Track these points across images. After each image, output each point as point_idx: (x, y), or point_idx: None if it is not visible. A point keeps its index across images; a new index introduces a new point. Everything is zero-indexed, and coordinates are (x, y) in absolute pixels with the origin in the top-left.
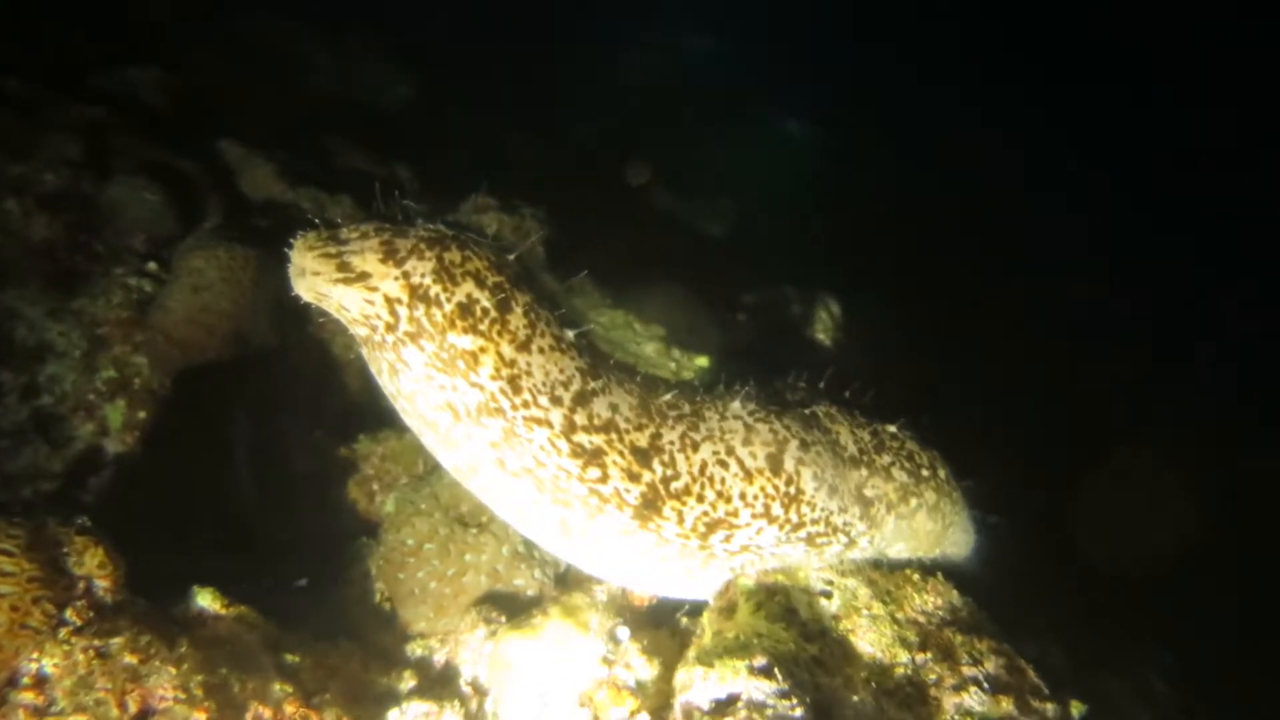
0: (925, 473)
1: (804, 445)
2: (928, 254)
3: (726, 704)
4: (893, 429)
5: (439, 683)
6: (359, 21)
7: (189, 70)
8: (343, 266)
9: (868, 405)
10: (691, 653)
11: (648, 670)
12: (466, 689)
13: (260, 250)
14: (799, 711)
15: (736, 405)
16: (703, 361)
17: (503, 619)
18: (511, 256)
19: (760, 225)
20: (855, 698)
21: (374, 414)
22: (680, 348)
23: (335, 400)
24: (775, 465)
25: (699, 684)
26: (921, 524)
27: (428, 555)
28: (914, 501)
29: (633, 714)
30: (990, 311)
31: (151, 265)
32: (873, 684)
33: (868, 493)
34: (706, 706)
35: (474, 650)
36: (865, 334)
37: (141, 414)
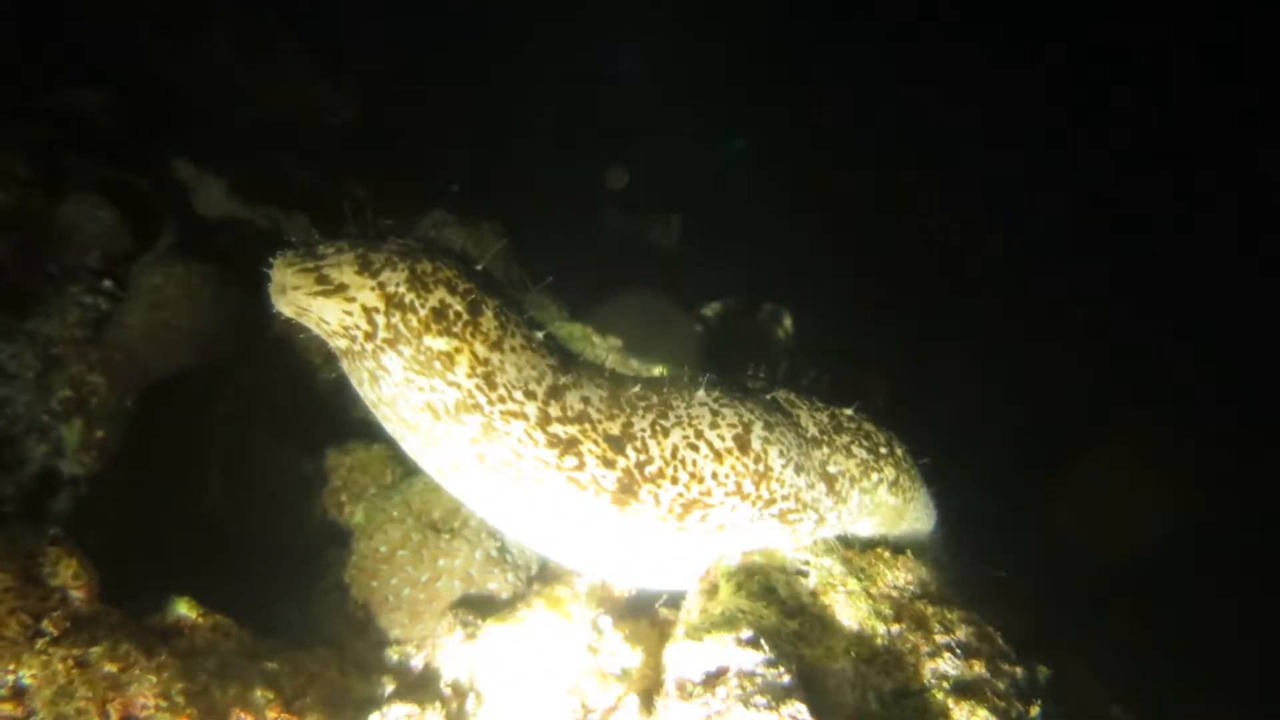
0: (883, 450)
1: (768, 426)
2: (885, 257)
3: (717, 675)
4: (849, 411)
5: (419, 686)
6: (307, 37)
7: (140, 89)
8: (321, 279)
9: (823, 391)
10: (680, 630)
11: (631, 657)
12: (447, 691)
13: (218, 267)
14: (786, 678)
15: (701, 393)
16: (660, 371)
17: (479, 622)
18: (479, 267)
19: (710, 238)
20: (837, 666)
21: (340, 426)
22: (638, 358)
23: (300, 414)
24: (743, 445)
25: (690, 658)
26: (884, 499)
27: (401, 562)
28: (875, 476)
29: (619, 699)
30: (952, 311)
31: (107, 283)
32: (852, 653)
33: (831, 469)
34: (699, 678)
35: (452, 653)
36: (821, 340)
37: (100, 433)
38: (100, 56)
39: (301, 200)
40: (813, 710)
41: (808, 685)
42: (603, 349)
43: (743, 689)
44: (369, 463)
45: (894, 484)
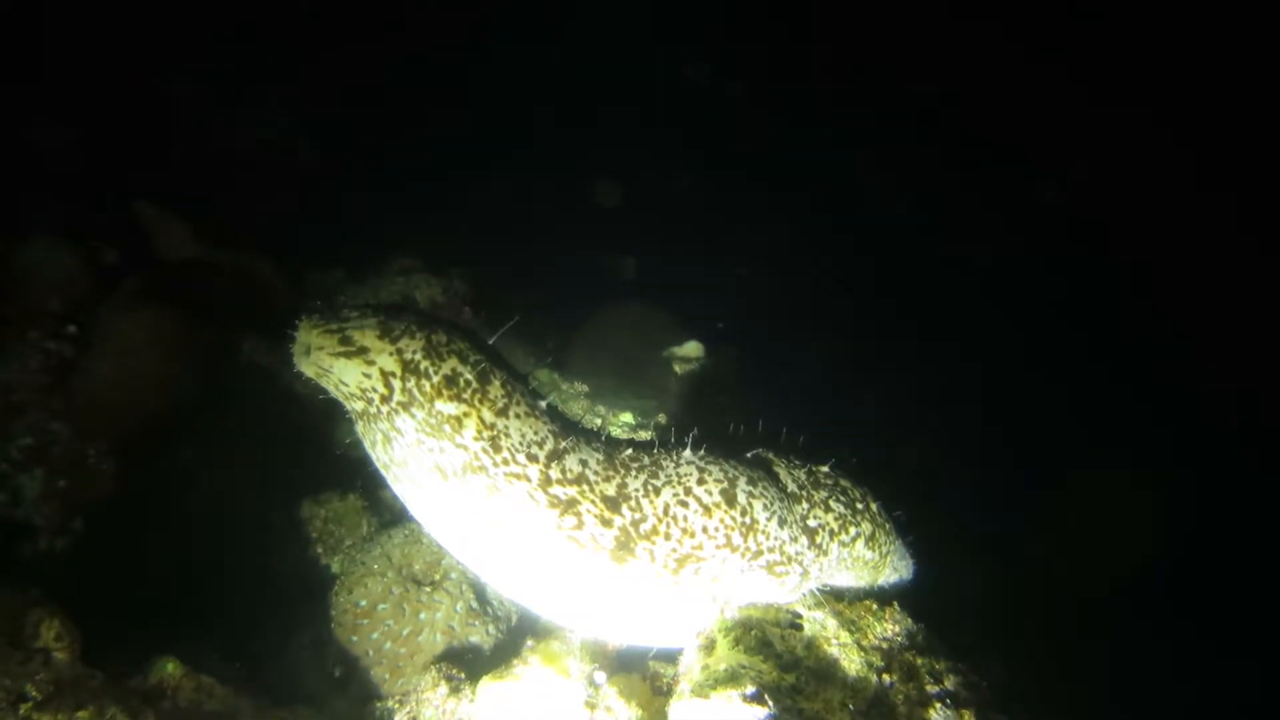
0: (859, 505)
1: (751, 481)
2: (855, 289)
3: None
4: (825, 469)
5: None
6: (266, 78)
7: (100, 130)
8: (344, 341)
9: (800, 449)
10: (684, 686)
11: (627, 712)
12: None
13: (184, 311)
14: None
15: (688, 453)
16: (627, 418)
17: (462, 675)
18: (490, 341)
19: (674, 280)
20: (836, 718)
21: (314, 473)
22: (605, 404)
23: (272, 464)
24: (730, 499)
25: (697, 716)
26: (861, 553)
27: (381, 616)
28: (852, 530)
29: None
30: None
31: (72, 329)
32: (850, 706)
33: (811, 523)
34: None
35: (436, 708)
36: (789, 383)
37: (62, 482)
38: (59, 93)
39: (266, 239)
40: None
41: None
42: (570, 395)
43: None
44: (345, 514)
45: (870, 539)
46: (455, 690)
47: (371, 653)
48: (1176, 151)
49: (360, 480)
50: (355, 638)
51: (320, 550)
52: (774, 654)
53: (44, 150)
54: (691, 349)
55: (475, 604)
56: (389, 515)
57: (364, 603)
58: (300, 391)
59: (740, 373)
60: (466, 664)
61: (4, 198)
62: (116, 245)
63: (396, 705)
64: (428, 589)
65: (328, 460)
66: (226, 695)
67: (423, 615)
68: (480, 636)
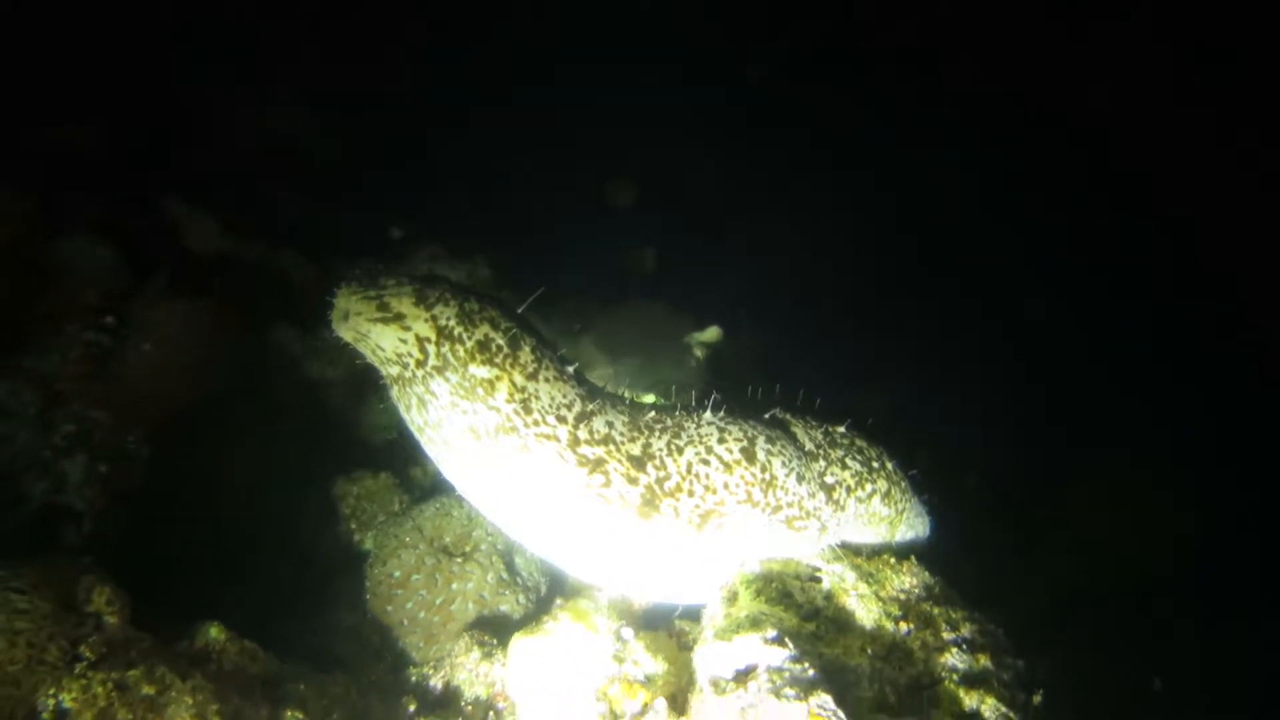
0: (875, 464)
1: (770, 439)
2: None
3: (747, 672)
4: (841, 429)
5: (439, 705)
6: (291, 70)
7: (129, 126)
8: (382, 307)
9: (816, 411)
10: (708, 632)
11: (654, 665)
12: (468, 708)
13: (216, 301)
14: (811, 672)
15: (708, 414)
16: (649, 399)
17: (495, 641)
18: (520, 309)
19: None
20: (854, 663)
21: (344, 456)
22: (627, 386)
23: (303, 445)
24: (750, 456)
25: (721, 657)
26: (877, 509)
27: (415, 586)
28: (869, 487)
29: (645, 705)
30: (948, 332)
31: (109, 319)
32: (868, 651)
33: (828, 480)
34: (730, 675)
35: (470, 671)
36: (811, 367)
37: (103, 468)
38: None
39: (291, 235)
40: (837, 701)
41: (829, 680)
42: (592, 378)
43: (772, 682)
44: (376, 491)
45: (886, 495)
46: (488, 655)
47: (406, 622)
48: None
49: (389, 461)
50: (390, 608)
51: (354, 526)
52: (794, 604)
53: (70, 147)
54: (712, 334)
55: (505, 574)
56: (419, 493)
57: (398, 574)
58: (329, 378)
59: (759, 359)
60: (497, 631)
61: (40, 192)
62: (148, 239)
63: (431, 671)
64: (459, 560)
65: (355, 444)
66: (269, 660)
67: (455, 585)
68: (510, 605)
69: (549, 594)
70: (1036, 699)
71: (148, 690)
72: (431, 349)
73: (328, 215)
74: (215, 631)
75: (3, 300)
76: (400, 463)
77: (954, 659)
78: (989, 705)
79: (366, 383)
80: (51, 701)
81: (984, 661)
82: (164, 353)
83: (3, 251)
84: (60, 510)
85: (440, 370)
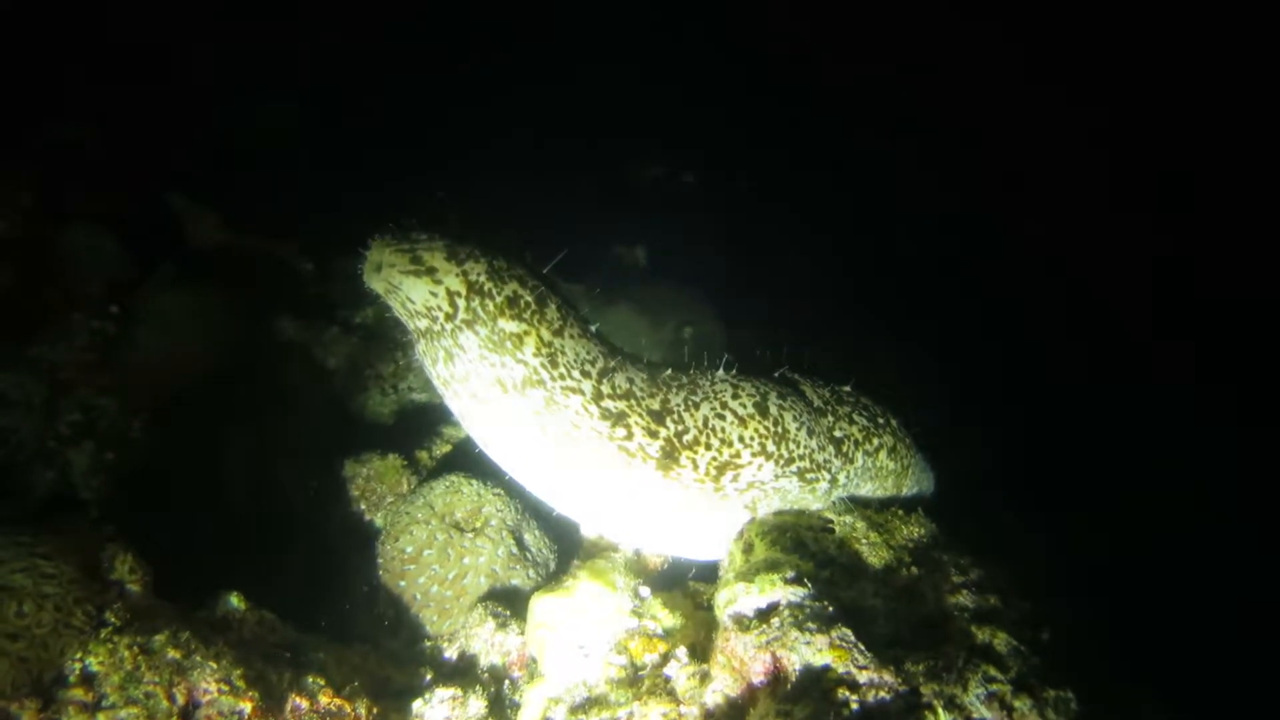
0: (880, 420)
1: (781, 395)
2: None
3: (769, 611)
4: (847, 388)
5: (455, 674)
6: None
7: (124, 121)
8: (415, 259)
9: (821, 370)
10: (730, 575)
11: (671, 621)
12: (485, 677)
13: (219, 291)
14: (831, 609)
15: (721, 372)
16: None
17: (508, 613)
18: (545, 270)
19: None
20: (869, 604)
21: (351, 438)
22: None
23: (310, 430)
24: (763, 411)
25: (742, 597)
26: (884, 463)
27: (427, 561)
28: (876, 441)
29: (664, 656)
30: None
31: (114, 308)
32: (881, 594)
33: (837, 434)
34: (752, 614)
35: (485, 641)
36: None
37: (110, 455)
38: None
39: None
40: (856, 635)
41: (848, 617)
42: None
43: (795, 617)
44: (385, 472)
45: (892, 450)
46: (502, 625)
47: (419, 596)
48: None
49: (393, 446)
50: (403, 583)
51: (364, 506)
52: (809, 553)
53: (73, 141)
54: (708, 327)
55: (515, 549)
56: (425, 474)
57: (410, 549)
58: (330, 366)
59: (757, 353)
60: (508, 604)
61: (45, 185)
62: (151, 231)
63: (445, 643)
64: (470, 535)
65: (358, 429)
66: (288, 630)
67: (466, 560)
68: (521, 579)
69: (557, 570)
70: (1044, 635)
71: (173, 654)
72: (461, 303)
73: (328, 206)
74: (236, 600)
75: (9, 290)
76: (405, 445)
77: (964, 599)
78: (1001, 639)
79: (367, 371)
80: (78, 665)
81: (993, 601)
82: (168, 340)
83: (9, 243)
84: (67, 500)
85: (470, 324)
